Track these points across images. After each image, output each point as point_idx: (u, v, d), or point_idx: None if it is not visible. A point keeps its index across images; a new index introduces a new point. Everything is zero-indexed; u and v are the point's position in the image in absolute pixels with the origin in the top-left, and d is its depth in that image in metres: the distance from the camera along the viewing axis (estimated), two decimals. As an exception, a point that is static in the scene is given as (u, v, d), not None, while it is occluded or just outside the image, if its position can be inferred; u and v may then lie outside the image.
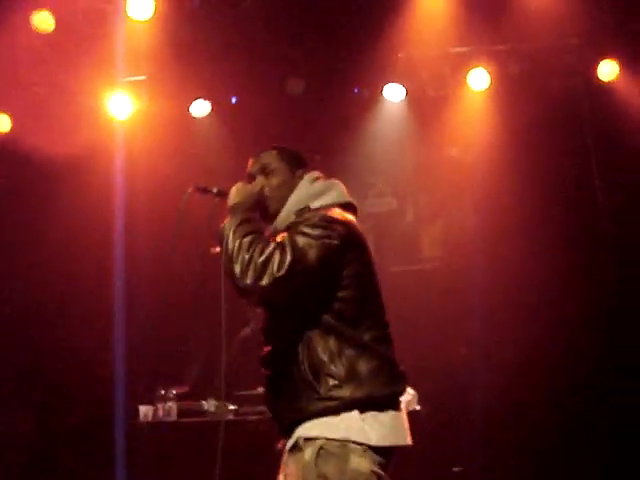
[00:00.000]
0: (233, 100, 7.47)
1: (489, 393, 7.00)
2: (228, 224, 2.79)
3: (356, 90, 7.40)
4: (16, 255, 7.16)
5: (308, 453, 2.74)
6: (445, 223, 8.32)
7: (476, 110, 7.35)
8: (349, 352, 2.80)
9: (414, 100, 7.37)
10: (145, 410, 5.81)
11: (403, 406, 5.74)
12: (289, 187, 3.04)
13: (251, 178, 3.06)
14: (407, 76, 7.16)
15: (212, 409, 5.76)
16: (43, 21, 6.40)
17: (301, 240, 2.73)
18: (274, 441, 2.92)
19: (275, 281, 2.65)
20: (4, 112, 7.21)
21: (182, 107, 7.22)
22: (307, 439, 2.77)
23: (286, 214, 2.98)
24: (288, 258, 2.66)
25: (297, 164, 3.14)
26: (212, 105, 7.31)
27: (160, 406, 5.81)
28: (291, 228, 2.84)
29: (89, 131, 6.95)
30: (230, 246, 2.71)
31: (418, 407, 5.88)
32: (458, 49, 6.96)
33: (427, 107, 7.42)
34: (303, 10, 6.54)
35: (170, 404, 5.78)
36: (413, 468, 5.47)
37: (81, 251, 7.11)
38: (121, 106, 7.01)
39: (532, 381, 6.92)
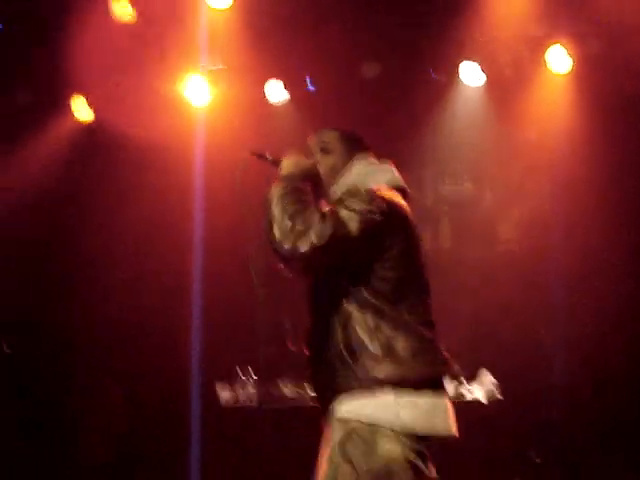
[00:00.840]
0: (310, 86, 7.48)
1: (570, 376, 6.91)
2: (275, 190, 2.73)
3: (433, 73, 7.31)
4: (101, 239, 7.34)
5: (338, 435, 2.69)
6: (523, 207, 8.22)
7: (556, 93, 7.21)
8: (387, 330, 2.72)
9: (492, 83, 7.26)
10: (226, 395, 5.88)
11: (485, 395, 5.74)
12: (343, 169, 3.00)
13: (308, 153, 3.01)
14: (485, 59, 7.06)
15: (292, 395, 5.79)
16: (123, 11, 6.52)
17: (344, 212, 2.68)
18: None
19: (313, 249, 2.60)
20: (87, 102, 7.38)
21: (260, 94, 7.26)
22: (340, 420, 2.72)
23: (335, 193, 2.94)
24: (328, 228, 2.62)
25: (357, 147, 3.06)
26: (289, 92, 7.34)
27: (241, 391, 5.87)
28: (337, 203, 2.78)
29: (169, 119, 7.06)
30: (273, 211, 2.67)
31: (500, 397, 5.84)
32: (538, 32, 6.82)
33: (506, 90, 7.30)
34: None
35: (251, 389, 5.83)
36: (494, 457, 5.48)
37: (163, 234, 7.24)
38: (200, 93, 7.09)
39: (614, 364, 6.81)
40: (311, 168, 2.94)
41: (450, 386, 5.89)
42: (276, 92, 7.28)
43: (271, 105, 7.34)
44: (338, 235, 2.63)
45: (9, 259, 7.21)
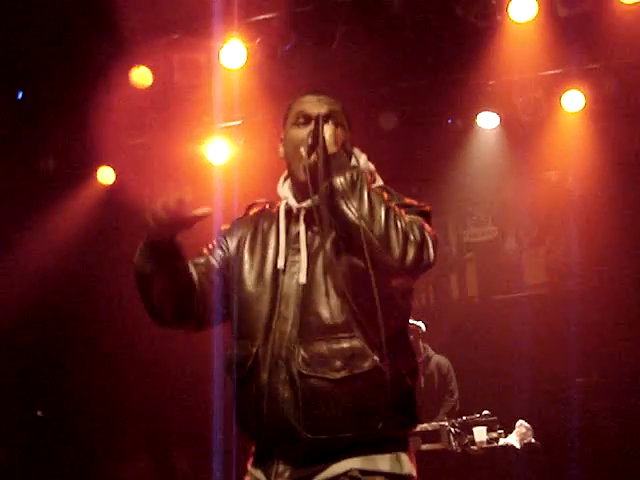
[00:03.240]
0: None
1: (608, 420, 6.80)
2: (354, 181, 2.29)
3: (450, 120, 7.36)
4: (129, 304, 7.36)
5: None
6: (548, 249, 8.19)
7: (572, 132, 7.22)
8: (411, 366, 2.45)
9: (508, 126, 7.29)
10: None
11: (519, 439, 5.66)
12: (349, 148, 2.60)
13: (322, 119, 2.48)
14: (500, 103, 7.09)
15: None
16: (141, 76, 6.64)
17: (427, 225, 2.38)
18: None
19: (429, 264, 2.29)
20: (108, 165, 7.49)
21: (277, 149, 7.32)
22: (365, 472, 2.32)
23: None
24: (433, 240, 2.33)
25: (351, 127, 2.68)
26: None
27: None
28: (399, 204, 2.40)
29: (189, 178, 7.13)
30: (380, 213, 2.24)
31: (533, 440, 5.76)
32: (550, 72, 6.85)
33: (522, 132, 7.32)
34: (390, 46, 6.57)
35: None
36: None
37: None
38: (218, 151, 7.18)
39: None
40: (343, 143, 2.50)
41: (483, 431, 5.83)
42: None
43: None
44: (435, 248, 2.35)
45: (38, 324, 7.25)
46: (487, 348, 7.58)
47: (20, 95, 6.82)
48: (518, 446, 5.71)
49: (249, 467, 2.48)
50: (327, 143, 2.36)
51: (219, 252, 2.61)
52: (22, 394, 7.15)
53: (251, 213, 2.69)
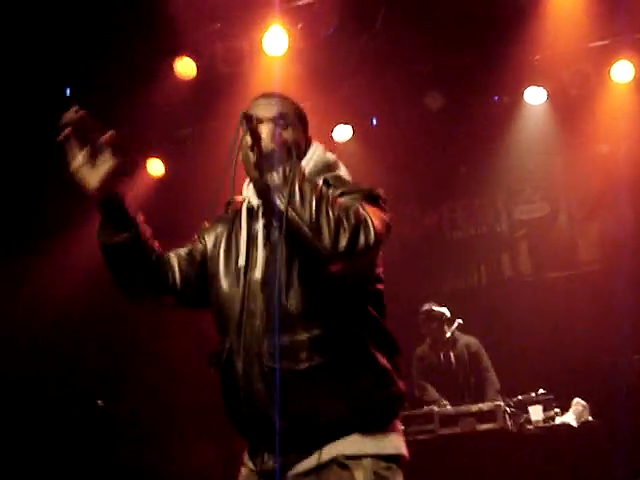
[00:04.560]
0: (373, 121, 7.54)
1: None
2: (286, 176, 2.31)
3: (496, 98, 7.28)
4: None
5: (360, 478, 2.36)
6: (601, 224, 8.06)
7: (622, 103, 7.09)
8: (388, 346, 2.49)
9: (556, 101, 7.19)
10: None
11: (576, 417, 5.61)
12: (302, 147, 2.62)
13: (267, 121, 2.55)
14: (547, 77, 7.00)
15: None
16: (185, 67, 6.69)
17: (372, 208, 2.37)
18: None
19: (367, 249, 2.25)
20: (156, 157, 7.57)
21: (324, 134, 7.33)
22: (351, 457, 2.38)
23: (310, 171, 2.53)
24: (373, 223, 2.28)
25: (306, 128, 2.70)
26: (353, 129, 7.40)
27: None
28: (342, 192, 2.43)
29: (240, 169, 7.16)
30: (308, 205, 2.25)
31: (590, 418, 5.71)
32: (597, 43, 6.73)
33: (570, 106, 7.22)
34: (432, 25, 6.51)
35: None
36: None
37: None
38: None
39: None
40: (285, 143, 2.54)
41: (539, 410, 5.78)
42: (340, 130, 7.37)
43: (337, 143, 7.40)
44: (380, 232, 2.32)
45: (92, 323, 7.38)
46: (541, 326, 7.50)
47: (68, 92, 6.91)
48: (575, 424, 5.66)
49: (244, 458, 2.59)
50: (263, 143, 2.42)
51: (200, 246, 2.73)
52: (84, 387, 7.28)
53: (230, 211, 2.75)
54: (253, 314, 2.47)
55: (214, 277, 2.61)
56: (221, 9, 6.34)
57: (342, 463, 2.36)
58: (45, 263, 7.04)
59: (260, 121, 2.52)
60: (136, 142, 7.34)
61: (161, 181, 7.67)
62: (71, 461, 6.90)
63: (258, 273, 2.49)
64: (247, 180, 2.68)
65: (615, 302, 7.10)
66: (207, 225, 2.78)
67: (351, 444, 2.38)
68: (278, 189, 2.29)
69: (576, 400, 5.76)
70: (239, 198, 2.72)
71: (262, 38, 6.46)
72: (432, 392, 6.66)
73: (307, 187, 2.30)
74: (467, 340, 6.84)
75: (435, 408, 6.05)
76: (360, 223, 2.25)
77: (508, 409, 5.84)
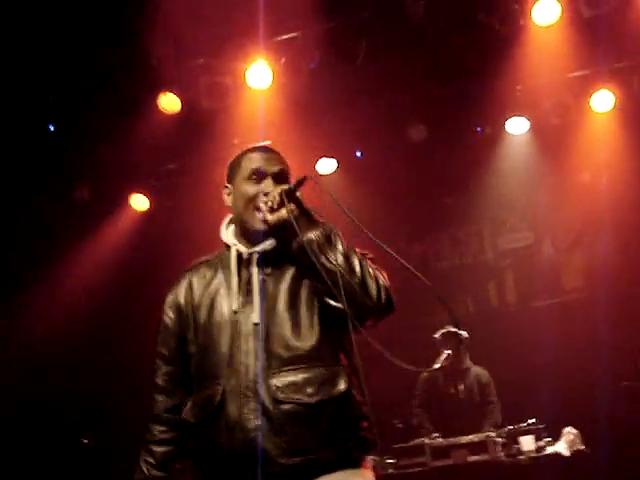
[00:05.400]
0: (358, 154, 7.57)
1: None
2: (329, 235, 2.55)
3: (479, 128, 7.33)
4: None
5: None
6: (584, 252, 8.10)
7: (602, 133, 7.16)
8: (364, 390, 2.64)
9: (538, 131, 7.25)
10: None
11: (568, 446, 5.58)
12: None
13: (271, 175, 2.70)
14: (528, 107, 7.06)
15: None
16: (170, 102, 6.70)
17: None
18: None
19: (393, 305, 2.57)
20: (141, 192, 7.56)
21: (308, 166, 7.35)
22: None
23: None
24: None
25: None
26: (337, 161, 7.43)
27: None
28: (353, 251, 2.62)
29: (220, 201, 7.15)
30: (356, 263, 2.52)
31: (582, 447, 5.68)
32: (577, 73, 6.81)
33: (552, 136, 7.28)
34: (415, 55, 6.57)
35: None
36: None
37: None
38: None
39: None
40: None
41: (530, 439, 5.75)
42: (324, 163, 7.40)
43: (320, 175, 7.40)
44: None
45: (76, 350, 7.32)
46: (529, 355, 7.50)
47: (52, 127, 6.91)
48: (567, 453, 5.63)
49: None
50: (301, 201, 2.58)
51: (171, 329, 2.78)
52: (68, 422, 7.20)
53: (185, 276, 2.82)
54: (247, 354, 2.55)
55: (193, 332, 2.69)
56: (205, 44, 6.36)
57: None
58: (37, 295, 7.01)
59: (266, 175, 2.68)
60: (121, 176, 7.34)
61: (146, 215, 7.64)
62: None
63: (255, 317, 2.58)
64: (225, 225, 2.81)
65: (600, 330, 7.11)
66: (168, 300, 2.80)
67: (345, 478, 2.49)
68: (323, 248, 2.52)
69: (567, 429, 5.74)
70: (196, 260, 2.84)
71: (246, 72, 6.49)
72: (427, 423, 6.62)
73: (347, 248, 2.55)
74: (479, 371, 6.79)
75: (426, 440, 6.00)
76: (388, 283, 2.55)
77: (499, 440, 5.80)
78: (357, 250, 2.60)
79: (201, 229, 7.18)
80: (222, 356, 2.58)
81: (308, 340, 2.54)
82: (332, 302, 2.50)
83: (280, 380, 2.49)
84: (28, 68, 6.12)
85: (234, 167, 2.80)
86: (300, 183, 2.57)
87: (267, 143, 6.89)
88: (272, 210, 2.57)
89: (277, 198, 2.56)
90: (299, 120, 6.66)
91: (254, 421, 2.46)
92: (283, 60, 6.46)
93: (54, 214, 7.14)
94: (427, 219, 8.48)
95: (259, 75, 6.48)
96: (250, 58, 6.43)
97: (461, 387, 6.71)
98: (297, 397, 2.46)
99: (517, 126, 7.17)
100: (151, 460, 2.69)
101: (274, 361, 2.52)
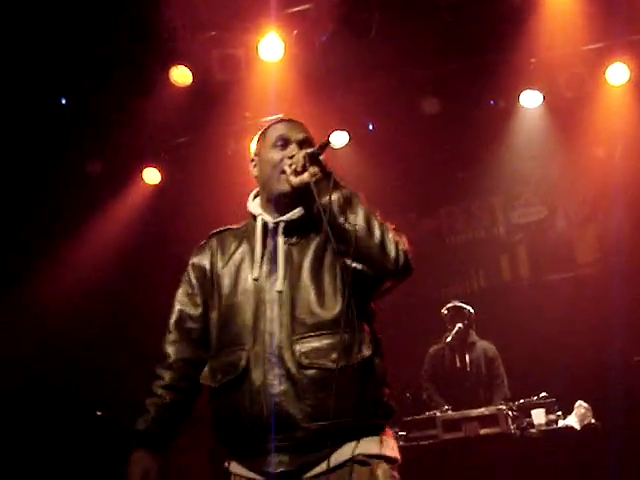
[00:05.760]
0: (370, 127, 7.53)
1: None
2: (355, 200, 2.58)
3: (492, 102, 7.28)
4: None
5: (381, 475, 2.53)
6: (599, 226, 8.07)
7: (617, 106, 7.09)
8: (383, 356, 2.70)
9: (552, 104, 7.18)
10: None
11: (579, 420, 5.60)
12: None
13: (296, 142, 2.75)
14: (542, 81, 7.00)
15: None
16: (181, 75, 6.68)
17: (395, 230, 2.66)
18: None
19: (412, 268, 2.60)
20: (153, 165, 7.56)
21: (320, 139, 7.30)
22: (371, 456, 2.54)
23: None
24: (405, 244, 2.61)
25: None
26: (350, 135, 7.39)
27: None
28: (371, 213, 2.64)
29: (232, 174, 7.15)
30: (376, 225, 2.56)
31: (593, 420, 5.69)
32: (592, 46, 6.74)
33: (566, 109, 7.22)
34: (428, 28, 6.52)
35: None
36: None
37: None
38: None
39: None
40: None
41: (542, 413, 5.77)
42: (337, 136, 7.36)
43: (333, 149, 7.36)
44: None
45: (88, 325, 7.36)
46: (541, 329, 7.50)
47: (63, 101, 6.90)
48: (578, 427, 5.64)
49: (232, 469, 2.66)
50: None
51: (188, 290, 2.85)
52: (81, 395, 7.25)
53: (212, 240, 2.88)
54: (272, 321, 2.60)
55: (217, 296, 2.74)
56: (216, 17, 6.33)
57: (362, 461, 2.50)
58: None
59: (290, 142, 2.73)
60: (133, 150, 7.34)
61: (158, 189, 7.65)
62: (68, 469, 6.88)
63: (279, 284, 2.62)
64: (252, 197, 2.87)
65: (614, 304, 7.09)
66: (193, 260, 2.86)
67: (369, 445, 2.53)
68: (344, 209, 2.55)
69: (579, 403, 5.75)
70: (218, 229, 2.89)
71: (258, 45, 6.46)
72: (437, 396, 6.66)
73: (368, 211, 2.58)
74: (485, 345, 6.82)
75: (438, 413, 6.03)
76: (406, 247, 2.58)
77: (511, 413, 5.82)
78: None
79: (212, 202, 7.25)
80: (246, 323, 2.62)
81: (332, 307, 2.57)
82: (352, 263, 2.53)
83: (304, 346, 2.53)
84: (40, 41, 6.10)
85: (260, 139, 2.85)
86: (323, 147, 2.59)
87: (279, 116, 7.00)
88: (296, 173, 2.61)
89: (301, 161, 2.59)
90: (311, 93, 6.63)
91: (279, 386, 2.50)
92: (295, 32, 6.42)
93: (66, 188, 7.15)
94: (440, 193, 8.46)
95: (271, 47, 6.44)
96: (262, 30, 6.40)
97: (467, 361, 6.74)
98: (321, 362, 2.50)
99: (531, 99, 7.11)
100: (158, 401, 2.72)
101: (298, 327, 2.56)
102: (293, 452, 2.50)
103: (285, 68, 6.58)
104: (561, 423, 5.73)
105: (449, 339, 6.63)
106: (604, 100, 7.10)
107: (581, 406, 5.71)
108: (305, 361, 2.51)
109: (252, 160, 2.87)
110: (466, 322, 6.74)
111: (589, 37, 6.63)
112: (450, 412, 6.10)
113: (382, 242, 2.53)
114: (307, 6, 6.33)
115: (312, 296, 2.59)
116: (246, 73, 6.62)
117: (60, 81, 6.62)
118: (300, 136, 2.75)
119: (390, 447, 2.59)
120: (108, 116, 6.93)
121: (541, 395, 5.96)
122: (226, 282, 2.72)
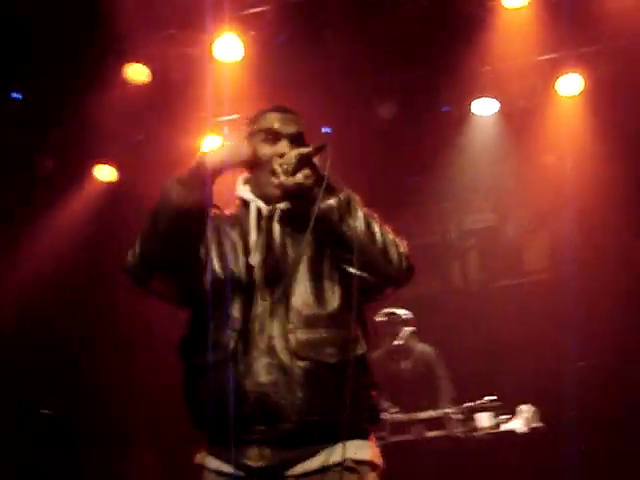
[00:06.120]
0: (324, 130, 7.55)
1: (609, 402, 6.81)
2: (353, 204, 2.51)
3: (446, 108, 7.36)
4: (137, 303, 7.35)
5: None
6: (549, 234, 8.20)
7: (570, 116, 7.20)
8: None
9: (505, 113, 7.28)
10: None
11: (524, 423, 5.69)
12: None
13: (286, 137, 2.68)
14: (496, 89, 7.09)
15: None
16: (137, 73, 6.65)
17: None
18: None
19: (414, 271, 2.60)
20: (106, 162, 7.50)
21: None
22: (358, 462, 2.47)
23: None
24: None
25: None
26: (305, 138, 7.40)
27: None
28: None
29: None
30: (377, 230, 2.50)
31: (539, 424, 5.78)
32: (545, 56, 6.84)
33: (519, 118, 7.32)
34: (385, 34, 6.57)
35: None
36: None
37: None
38: (215, 145, 7.16)
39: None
40: None
41: (487, 416, 5.84)
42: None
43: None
44: None
45: (40, 323, 7.27)
46: (490, 334, 7.60)
47: (15, 95, 6.81)
48: (523, 431, 5.73)
49: (206, 464, 2.51)
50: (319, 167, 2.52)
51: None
52: (27, 393, 7.16)
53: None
54: (265, 309, 2.48)
55: (209, 273, 2.58)
56: (174, 15, 6.32)
57: (351, 467, 2.41)
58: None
59: (281, 136, 2.65)
60: (86, 147, 7.27)
61: (111, 187, 7.59)
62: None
63: (275, 271, 2.53)
64: (241, 181, 2.76)
65: (561, 311, 7.21)
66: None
67: (358, 450, 2.45)
68: (343, 214, 2.45)
69: (524, 406, 5.83)
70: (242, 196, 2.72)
71: (214, 45, 6.46)
72: (381, 401, 6.69)
73: (367, 215, 2.52)
74: (423, 348, 6.84)
75: (386, 415, 6.06)
76: (404, 246, 2.56)
77: (457, 416, 5.88)
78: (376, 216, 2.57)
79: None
80: (236, 306, 2.49)
81: (330, 304, 2.49)
82: (352, 270, 2.45)
83: (299, 337, 2.43)
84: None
85: (251, 123, 2.76)
86: (319, 150, 2.51)
87: (235, 116, 6.99)
88: (287, 174, 2.51)
89: (293, 161, 2.49)
90: (267, 94, 6.63)
91: (267, 376, 2.39)
92: (252, 33, 6.43)
93: (16, 186, 7.07)
94: (393, 198, 8.50)
95: (228, 48, 6.43)
96: (219, 30, 6.39)
97: (407, 365, 6.77)
98: (316, 355, 2.40)
99: (484, 107, 7.19)
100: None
101: (294, 318, 2.46)
102: (277, 446, 2.39)
103: (242, 68, 6.58)
104: (506, 426, 5.81)
105: (388, 344, 6.69)
106: (556, 110, 7.20)
107: (527, 410, 5.79)
108: (299, 352, 2.40)
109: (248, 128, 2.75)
110: (404, 327, 6.76)
111: (543, 48, 6.72)
112: (398, 415, 6.14)
113: (384, 248, 2.48)
114: (265, 7, 6.35)
115: (309, 288, 2.50)
116: (203, 73, 6.61)
117: (12, 74, 6.54)
118: (292, 130, 2.66)
119: (377, 454, 2.54)
120: (61, 112, 6.86)
121: (487, 398, 6.04)
122: (217, 264, 2.58)
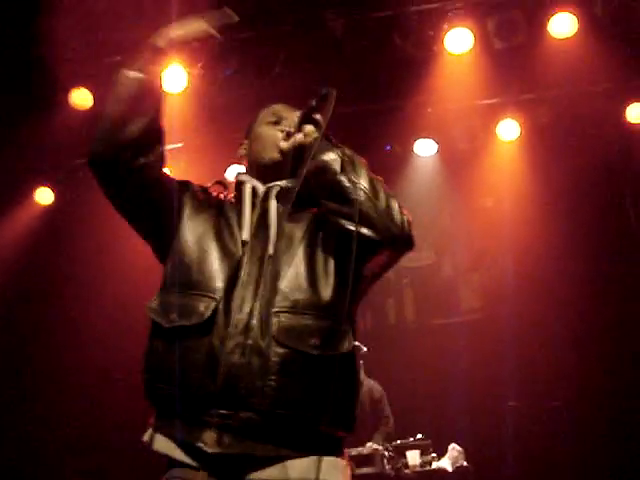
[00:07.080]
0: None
1: (540, 443, 6.91)
2: (357, 161, 2.39)
3: (388, 147, 7.46)
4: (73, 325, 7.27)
5: None
6: (483, 274, 8.33)
7: (508, 160, 7.39)
8: None
9: (446, 154, 7.43)
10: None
11: (451, 462, 5.75)
12: None
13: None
14: (437, 130, 7.23)
15: None
16: (81, 98, 6.61)
17: None
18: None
19: (412, 237, 2.41)
20: (46, 186, 7.44)
21: (219, 172, 7.34)
22: None
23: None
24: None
25: None
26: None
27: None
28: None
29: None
30: (381, 188, 2.35)
31: (465, 463, 5.85)
32: (486, 101, 7.01)
33: (459, 160, 7.48)
34: (330, 71, 6.64)
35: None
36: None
37: (136, 315, 7.23)
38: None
39: (586, 428, 6.84)
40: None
41: (416, 455, 5.90)
42: (234, 170, 7.40)
43: (230, 183, 7.40)
44: None
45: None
46: (423, 372, 7.66)
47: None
48: (450, 469, 5.80)
49: (156, 447, 2.26)
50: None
51: (171, 186, 2.61)
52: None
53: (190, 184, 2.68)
54: (247, 288, 2.27)
55: (199, 238, 2.40)
56: (121, 43, 6.31)
57: None
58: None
59: (284, 118, 2.57)
60: (26, 170, 7.20)
61: (50, 209, 7.52)
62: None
63: (271, 249, 2.34)
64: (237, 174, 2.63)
65: (494, 350, 7.32)
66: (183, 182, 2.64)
67: (332, 472, 2.21)
68: (346, 169, 2.32)
69: (452, 445, 5.91)
70: (239, 177, 2.61)
71: (161, 75, 6.45)
72: None
73: (373, 175, 2.37)
74: (372, 385, 6.82)
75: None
76: (408, 216, 2.38)
77: (387, 453, 5.92)
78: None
79: (106, 223, 7.15)
80: (219, 277, 2.29)
81: (322, 292, 2.28)
82: (349, 225, 2.26)
83: (282, 321, 2.22)
84: None
85: (252, 122, 2.68)
86: (323, 99, 2.39)
87: (179, 145, 7.01)
88: (288, 135, 2.41)
89: (295, 120, 2.41)
90: (211, 126, 6.67)
91: (240, 357, 2.17)
92: (200, 65, 6.47)
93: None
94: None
95: (174, 78, 6.45)
96: (167, 60, 6.39)
97: None
98: (297, 344, 2.19)
99: (425, 148, 7.33)
100: None
101: (280, 301, 2.25)
102: (238, 435, 2.14)
103: (187, 100, 6.60)
104: (434, 465, 5.87)
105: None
106: (495, 154, 7.39)
107: (454, 449, 5.87)
108: (278, 338, 2.18)
109: (241, 144, 2.68)
110: (360, 361, 6.76)
111: (483, 93, 6.90)
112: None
113: (387, 208, 2.29)
114: (213, 40, 6.37)
115: (302, 272, 2.30)
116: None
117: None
118: (295, 113, 2.56)
119: (346, 473, 2.27)
120: (2, 134, 6.79)
121: (417, 437, 6.09)
122: (206, 234, 2.40)
